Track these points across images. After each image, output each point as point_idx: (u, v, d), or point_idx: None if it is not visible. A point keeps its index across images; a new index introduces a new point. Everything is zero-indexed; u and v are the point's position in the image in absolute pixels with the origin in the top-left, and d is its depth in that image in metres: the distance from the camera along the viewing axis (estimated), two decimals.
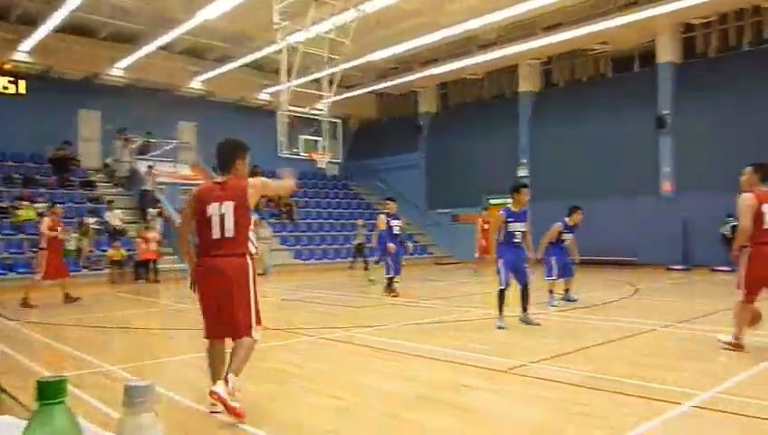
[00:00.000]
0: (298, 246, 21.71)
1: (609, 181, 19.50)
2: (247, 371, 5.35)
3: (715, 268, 15.96)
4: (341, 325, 8.42)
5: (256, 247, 5.19)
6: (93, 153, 21.86)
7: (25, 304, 10.99)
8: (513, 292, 8.24)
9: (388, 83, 24.66)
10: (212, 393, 4.15)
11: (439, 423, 4.08)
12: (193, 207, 4.48)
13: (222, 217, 4.33)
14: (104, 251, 16.82)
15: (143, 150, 21.63)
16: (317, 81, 18.70)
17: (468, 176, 24.04)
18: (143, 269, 16.59)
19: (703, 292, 12.56)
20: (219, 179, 4.53)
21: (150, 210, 18.26)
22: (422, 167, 26.55)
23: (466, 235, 23.89)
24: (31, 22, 17.87)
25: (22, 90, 19.73)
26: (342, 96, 22.10)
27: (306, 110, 17.68)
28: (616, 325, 7.98)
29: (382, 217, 12.38)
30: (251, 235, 4.62)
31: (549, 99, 22.83)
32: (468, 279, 16.52)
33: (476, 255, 17.16)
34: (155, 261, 16.73)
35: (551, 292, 10.15)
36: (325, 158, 17.82)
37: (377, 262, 14.97)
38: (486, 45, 21.49)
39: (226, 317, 4.33)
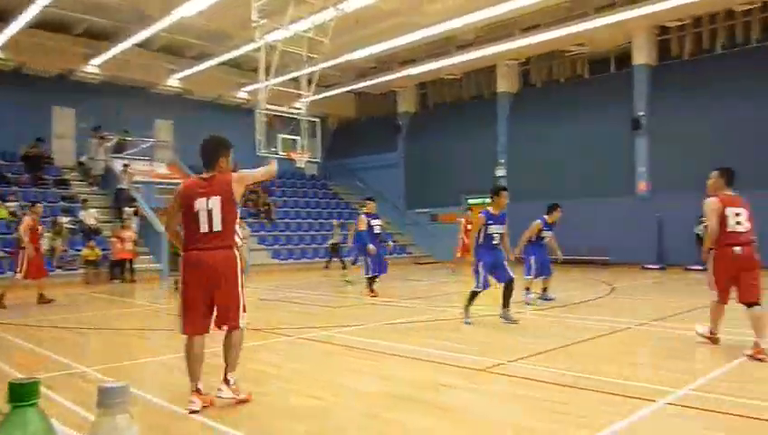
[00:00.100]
0: (276, 246, 21.60)
1: (585, 181, 19.72)
2: (222, 370, 5.32)
3: (689, 267, 16.21)
4: (320, 325, 8.39)
5: (241, 241, 5.26)
6: (67, 151, 21.53)
7: (0, 303, 10.81)
8: (495, 291, 8.29)
9: (367, 83, 24.66)
10: (218, 395, 4.43)
11: (419, 423, 4.09)
12: (179, 202, 4.57)
13: (209, 212, 4.43)
14: (78, 251, 16.58)
15: (119, 149, 21.38)
16: (295, 79, 18.63)
17: (447, 176, 24.14)
18: (119, 269, 16.39)
19: (677, 290, 12.75)
20: (205, 175, 4.62)
21: (126, 209, 18.04)
22: (401, 166, 26.59)
23: (445, 234, 24.01)
24: (3, 17, 17.52)
25: None
26: (321, 95, 22.06)
27: (285, 108, 17.59)
28: (593, 324, 8.06)
29: (363, 217, 12.36)
30: (237, 228, 4.71)
31: (527, 99, 23.01)
32: (447, 278, 16.58)
33: (458, 254, 17.15)
34: (131, 261, 16.54)
35: (527, 289, 10.25)
36: (304, 157, 17.74)
37: (354, 262, 14.95)
38: (465, 46, 21.61)
39: (219, 307, 4.45)
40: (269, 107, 16.87)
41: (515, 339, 7.29)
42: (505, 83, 23.34)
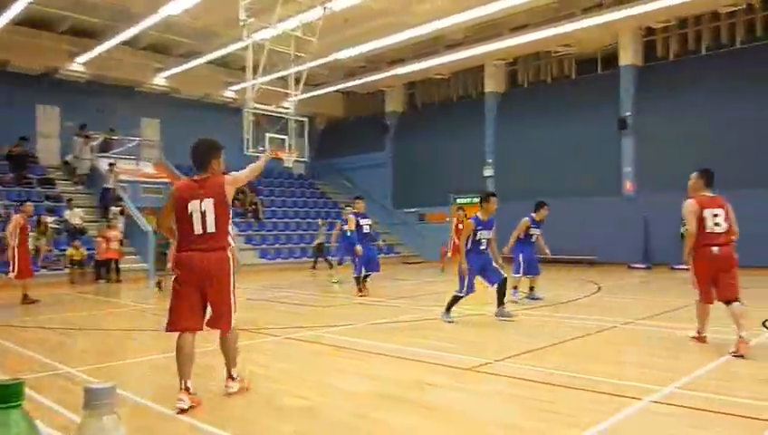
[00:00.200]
0: (264, 246, 21.54)
1: (572, 181, 19.83)
2: (212, 371, 5.30)
3: (675, 266, 16.35)
4: (307, 325, 8.38)
5: (233, 242, 5.33)
6: (52, 150, 21.34)
7: None
8: (481, 292, 8.31)
9: (356, 82, 24.63)
10: (228, 392, 4.69)
11: (406, 422, 4.09)
12: (172, 203, 4.65)
13: (203, 214, 4.51)
14: (63, 251, 16.44)
15: (104, 148, 21.20)
16: (283, 78, 18.58)
17: (435, 175, 24.19)
18: (104, 269, 16.27)
19: (663, 290, 12.84)
20: (197, 178, 4.68)
21: (112, 208, 17.91)
22: (389, 166, 26.60)
23: (433, 234, 24.07)
24: None
25: None
26: (309, 94, 22.01)
27: (272, 108, 17.54)
28: (580, 323, 8.11)
29: (351, 217, 12.34)
30: (230, 229, 4.80)
31: (514, 99, 23.10)
32: (434, 278, 16.61)
33: (449, 254, 16.98)
34: (116, 261, 16.42)
35: (515, 288, 10.31)
36: (292, 156, 17.70)
37: (340, 262, 14.91)
38: (453, 46, 21.65)
39: (213, 309, 4.56)
40: (257, 106, 16.82)
41: (502, 338, 7.32)
42: (493, 83, 23.42)
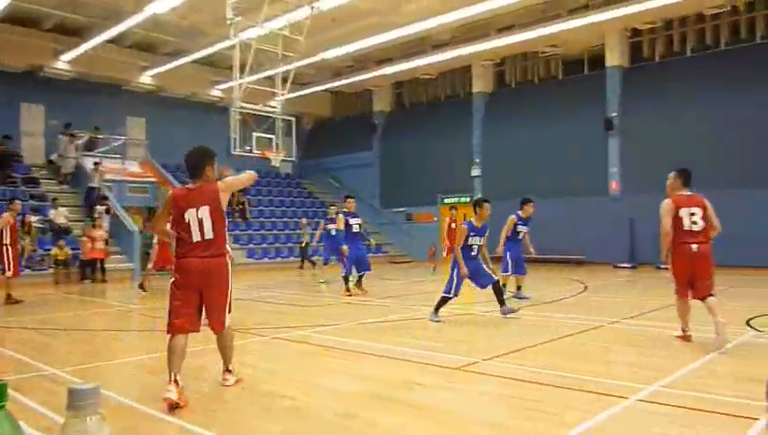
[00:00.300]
0: (251, 245, 21.47)
1: (559, 181, 19.93)
2: (199, 371, 5.28)
3: (660, 266, 16.47)
4: (295, 325, 8.35)
5: (230, 247, 5.51)
6: (37, 149, 21.13)
7: None
8: (470, 292, 8.33)
9: (343, 82, 24.62)
10: (225, 384, 4.91)
11: (395, 422, 4.09)
12: (169, 210, 4.83)
13: (200, 222, 4.64)
14: (48, 250, 16.28)
15: (90, 146, 21.03)
16: (270, 78, 18.51)
17: (422, 175, 24.23)
18: (90, 269, 16.13)
19: (649, 289, 12.94)
20: (192, 186, 4.80)
21: (98, 207, 17.76)
22: (376, 166, 26.60)
23: (421, 233, 24.12)
24: None
25: None
26: (296, 94, 21.97)
27: (259, 107, 17.47)
28: (567, 322, 8.15)
29: (341, 216, 12.30)
30: (226, 234, 4.92)
31: (502, 99, 23.19)
32: (423, 278, 16.63)
33: (443, 253, 16.92)
34: (102, 260, 16.28)
35: (503, 285, 10.34)
36: (279, 156, 17.64)
37: (326, 262, 14.86)
38: (440, 46, 21.70)
39: (209, 311, 4.71)
40: (244, 105, 16.74)
41: (490, 338, 7.34)
42: (481, 83, 23.49)
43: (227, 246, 4.95)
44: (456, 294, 8.22)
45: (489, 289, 8.38)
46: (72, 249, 16.38)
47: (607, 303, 10.78)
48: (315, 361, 6.15)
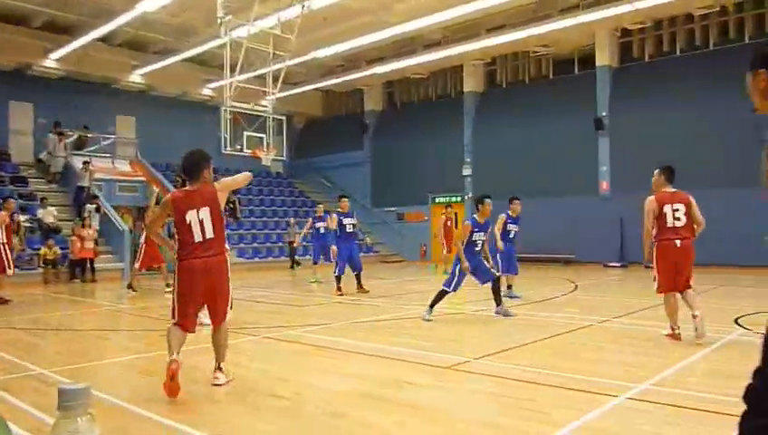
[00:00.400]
0: (241, 244, 21.41)
1: (550, 180, 20.01)
2: (190, 371, 5.27)
3: (649, 265, 16.57)
4: (286, 324, 8.35)
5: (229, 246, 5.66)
6: (25, 147, 20.96)
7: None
8: (462, 290, 8.36)
9: (334, 81, 24.59)
10: (216, 383, 4.94)
11: (386, 421, 4.09)
12: (167, 213, 5.05)
13: (201, 222, 4.85)
14: (36, 250, 16.17)
15: (79, 145, 20.88)
16: (261, 77, 18.45)
17: (413, 174, 24.26)
18: (79, 269, 16.03)
19: (639, 288, 13.00)
20: (191, 188, 4.99)
21: (88, 206, 17.65)
22: (367, 165, 26.59)
23: (412, 233, 24.15)
24: None
25: None
26: (287, 93, 21.91)
27: (250, 106, 17.41)
28: (557, 321, 8.18)
29: (334, 216, 12.30)
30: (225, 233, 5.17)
31: (493, 99, 23.24)
32: (414, 277, 16.64)
33: (445, 251, 16.76)
34: (92, 260, 16.18)
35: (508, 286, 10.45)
36: (270, 155, 17.59)
37: (315, 262, 14.84)
38: (431, 45, 21.72)
39: (210, 306, 4.95)
40: (234, 104, 16.68)
41: (480, 336, 7.36)
42: (472, 83, 23.53)
43: (226, 244, 5.16)
44: (454, 290, 8.32)
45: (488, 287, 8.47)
46: (62, 249, 16.28)
47: (597, 302, 10.83)
48: (307, 360, 6.14)
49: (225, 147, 16.24)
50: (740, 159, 16.51)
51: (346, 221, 12.10)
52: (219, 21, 15.60)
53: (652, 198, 6.68)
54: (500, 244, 10.40)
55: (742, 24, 18.23)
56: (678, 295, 6.57)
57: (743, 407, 1.97)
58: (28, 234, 16.45)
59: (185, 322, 4.86)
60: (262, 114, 17.56)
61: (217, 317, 5.01)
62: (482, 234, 8.49)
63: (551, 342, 6.77)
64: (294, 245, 19.45)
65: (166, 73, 21.99)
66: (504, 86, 23.49)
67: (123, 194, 19.96)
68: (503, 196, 11.18)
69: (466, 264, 8.23)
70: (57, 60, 20.03)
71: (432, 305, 8.38)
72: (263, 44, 16.79)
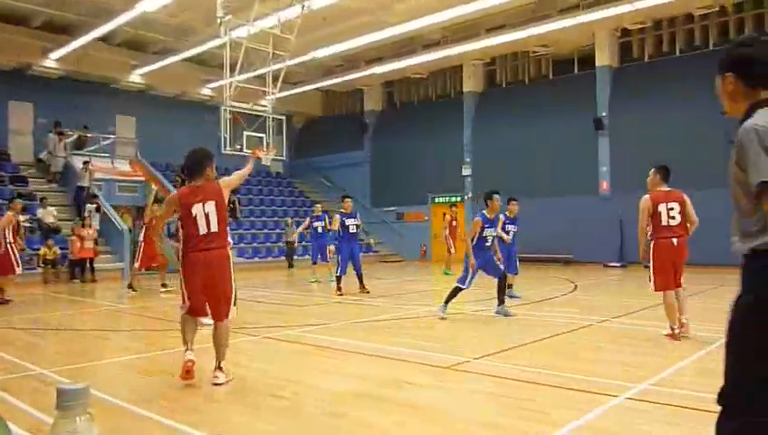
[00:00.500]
0: (241, 244, 21.39)
1: (549, 180, 20.01)
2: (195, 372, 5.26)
3: (647, 265, 16.56)
4: (286, 324, 8.35)
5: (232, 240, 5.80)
6: (25, 147, 20.96)
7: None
8: (464, 291, 8.37)
9: (334, 81, 24.59)
10: (215, 382, 4.98)
11: (386, 421, 4.09)
12: (173, 209, 5.27)
13: (207, 216, 5.08)
14: (36, 250, 16.16)
15: (79, 145, 20.88)
16: (261, 76, 18.46)
17: (413, 174, 24.25)
18: (79, 268, 16.02)
19: (638, 288, 12.99)
20: (196, 184, 5.20)
21: (88, 206, 17.65)
22: (367, 165, 26.58)
23: (411, 233, 24.15)
24: None
25: None
26: (287, 93, 21.90)
27: (250, 106, 17.41)
28: (557, 321, 8.18)
29: (336, 217, 12.29)
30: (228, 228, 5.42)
31: (492, 99, 23.23)
32: (413, 277, 16.64)
33: (452, 250, 16.66)
34: (91, 260, 16.17)
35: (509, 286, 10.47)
36: (269, 155, 17.59)
37: (314, 262, 14.83)
38: (431, 45, 21.72)
39: (212, 299, 5.10)
40: (234, 104, 16.68)
41: (480, 336, 7.36)
42: (471, 83, 23.51)
43: (229, 239, 5.40)
44: (468, 286, 8.44)
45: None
46: (61, 249, 16.27)
47: (596, 302, 10.84)
48: (306, 360, 6.14)
49: (225, 147, 16.24)
50: None
51: (349, 222, 12.09)
52: (219, 21, 15.61)
53: (647, 196, 6.80)
54: (506, 237, 10.43)
55: (742, 25, 18.23)
56: (673, 293, 6.65)
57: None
58: (28, 234, 16.46)
59: (194, 306, 5.08)
60: (261, 114, 17.56)
61: (218, 312, 5.11)
62: (492, 229, 8.63)
63: (550, 342, 6.77)
64: (294, 244, 19.41)
65: (165, 73, 21.99)
66: (504, 86, 23.48)
67: (123, 194, 19.96)
68: (502, 196, 11.17)
69: (473, 260, 8.35)
70: (57, 60, 20.02)
71: (447, 302, 8.46)
72: (262, 44, 16.79)
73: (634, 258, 17.86)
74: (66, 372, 5.60)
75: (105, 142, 21.62)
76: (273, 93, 17.71)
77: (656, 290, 6.73)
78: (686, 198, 6.74)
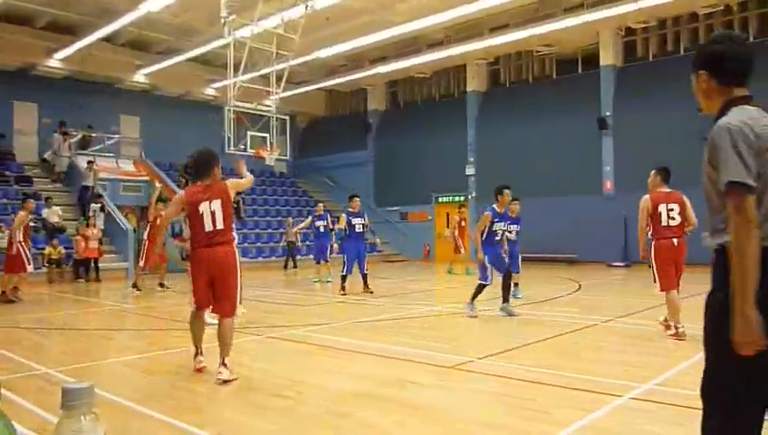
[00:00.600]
0: (245, 244, 21.40)
1: (553, 180, 19.97)
2: (194, 371, 5.27)
3: (650, 264, 16.51)
4: (289, 324, 8.35)
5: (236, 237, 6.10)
6: (30, 147, 21.02)
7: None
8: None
9: (337, 80, 24.59)
10: (219, 380, 5.02)
11: (389, 421, 4.10)
12: (181, 207, 5.44)
13: (213, 213, 5.27)
14: (41, 249, 16.20)
15: (83, 145, 20.93)
16: (265, 76, 18.48)
17: (416, 174, 24.23)
18: (83, 268, 16.05)
19: (642, 288, 12.97)
20: (203, 184, 5.38)
21: (92, 205, 17.69)
22: (370, 164, 26.58)
23: (415, 232, 24.14)
24: None
25: None
26: (291, 93, 21.93)
27: (254, 105, 17.44)
28: (560, 321, 8.17)
29: (342, 216, 12.29)
30: (233, 226, 5.61)
31: (496, 98, 23.20)
32: (416, 277, 16.62)
33: (463, 250, 16.64)
34: (96, 259, 16.20)
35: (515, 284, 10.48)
36: (273, 154, 17.61)
37: (317, 262, 14.83)
38: (435, 45, 21.71)
39: (217, 295, 5.28)
40: (238, 104, 16.71)
41: (484, 336, 7.35)
42: (475, 82, 23.49)
43: (234, 235, 5.61)
44: (491, 281, 8.50)
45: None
46: (66, 248, 16.30)
47: (600, 301, 10.82)
48: (309, 360, 6.15)
49: (229, 146, 16.26)
50: None
51: (355, 221, 12.07)
52: (223, 21, 15.64)
53: (647, 196, 6.91)
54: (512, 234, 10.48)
55: (746, 23, 18.17)
56: (676, 292, 6.69)
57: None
58: (32, 233, 16.50)
59: (199, 298, 5.31)
60: (265, 114, 17.58)
61: (222, 308, 5.27)
62: (502, 224, 8.69)
63: (554, 341, 6.77)
64: (295, 244, 19.39)
65: (169, 73, 22.02)
66: (508, 86, 23.46)
67: (127, 194, 20.00)
68: None
69: (482, 255, 8.44)
70: (61, 60, 20.08)
71: (473, 300, 8.49)
72: (266, 44, 16.82)
73: (638, 258, 17.78)
74: (71, 372, 5.61)
75: (109, 142, 21.69)
76: (276, 93, 17.73)
77: (662, 290, 6.78)
78: (685, 199, 6.81)
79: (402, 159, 24.81)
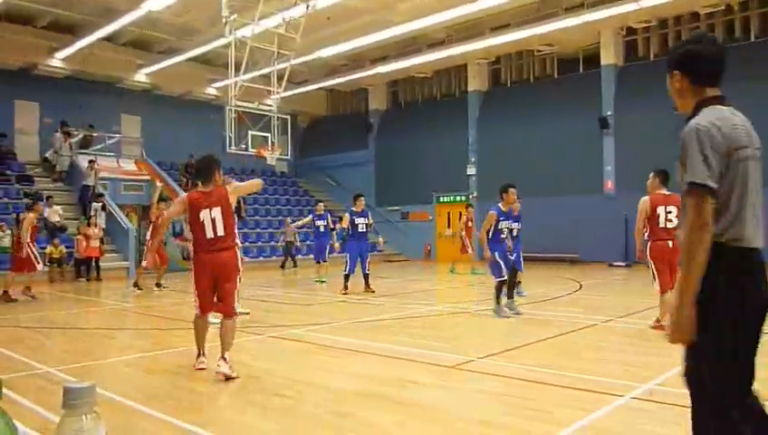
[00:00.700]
0: (246, 244, 21.41)
1: (554, 180, 19.96)
2: (194, 371, 5.29)
3: (647, 263, 16.50)
4: (290, 323, 8.36)
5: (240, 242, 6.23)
6: (31, 147, 21.04)
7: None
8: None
9: (338, 80, 24.58)
10: (219, 374, 5.12)
11: (390, 420, 4.10)
12: (183, 208, 5.54)
13: (213, 221, 5.37)
14: (43, 248, 16.21)
15: (84, 144, 20.94)
16: (266, 76, 18.48)
17: (417, 174, 24.24)
18: (85, 267, 16.07)
19: (643, 287, 12.95)
20: (205, 189, 5.49)
21: (94, 204, 17.71)
22: (371, 164, 26.58)
23: (416, 232, 24.14)
24: None
25: None
26: (292, 92, 21.93)
27: (255, 105, 17.44)
28: (561, 321, 8.17)
29: (346, 215, 12.30)
30: (235, 230, 5.68)
31: (497, 98, 23.19)
32: (417, 276, 16.61)
33: (470, 250, 16.59)
34: (97, 259, 16.22)
35: (518, 283, 10.51)
36: (274, 154, 17.61)
37: (318, 262, 14.83)
38: (435, 44, 21.70)
39: (219, 295, 5.42)
40: (239, 103, 16.71)
41: (484, 336, 7.35)
42: (476, 82, 23.49)
43: (237, 240, 5.71)
44: (507, 274, 8.58)
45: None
46: (67, 247, 16.32)
47: (601, 301, 10.82)
48: (310, 359, 6.15)
49: (230, 146, 16.27)
50: None
51: (358, 221, 12.07)
52: (224, 20, 15.64)
53: (646, 198, 7.03)
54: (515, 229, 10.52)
55: (747, 23, 18.16)
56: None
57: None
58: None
59: (202, 302, 5.43)
60: (266, 113, 17.58)
61: (225, 309, 5.41)
62: (507, 222, 8.77)
63: (555, 341, 6.77)
64: (293, 244, 19.38)
65: (170, 73, 22.03)
66: (509, 85, 23.45)
67: (128, 193, 20.01)
68: None
69: (488, 253, 8.50)
70: (62, 59, 20.09)
71: (498, 300, 8.52)
72: (267, 44, 16.82)
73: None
74: (72, 371, 5.62)
75: (111, 141, 21.69)
76: (277, 93, 17.73)
77: (662, 292, 6.87)
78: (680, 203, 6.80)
79: (403, 159, 24.81)
